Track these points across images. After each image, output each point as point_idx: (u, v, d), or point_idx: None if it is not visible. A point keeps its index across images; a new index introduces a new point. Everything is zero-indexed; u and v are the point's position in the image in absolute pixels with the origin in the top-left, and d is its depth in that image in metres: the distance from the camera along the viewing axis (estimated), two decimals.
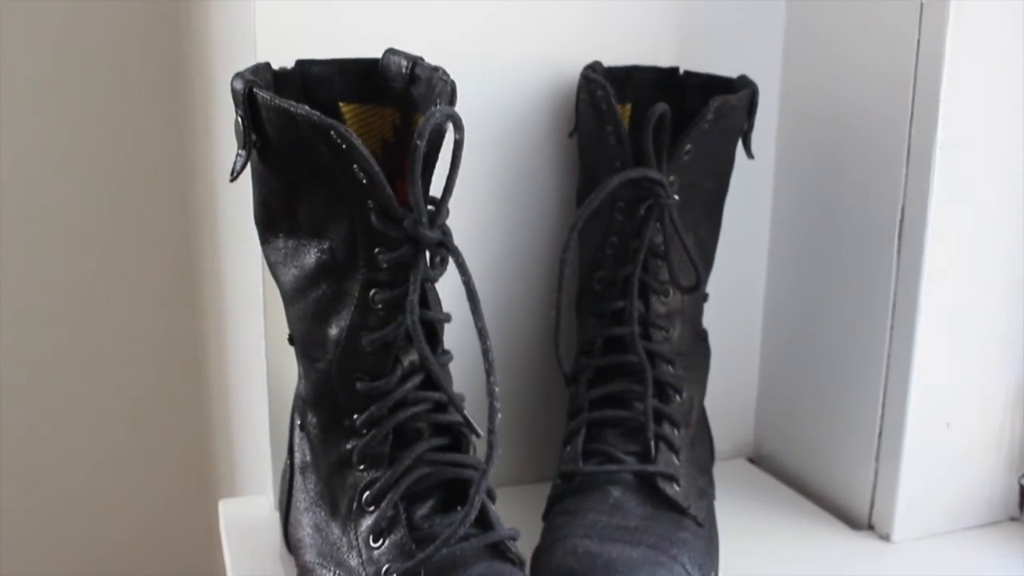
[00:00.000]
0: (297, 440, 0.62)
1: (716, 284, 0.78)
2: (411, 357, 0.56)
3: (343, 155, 0.52)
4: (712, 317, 0.78)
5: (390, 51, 0.60)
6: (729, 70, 0.73)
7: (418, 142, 0.51)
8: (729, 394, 0.84)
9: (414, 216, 0.52)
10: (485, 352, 0.51)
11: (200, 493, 1.80)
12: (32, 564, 1.80)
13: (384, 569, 0.53)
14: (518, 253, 0.75)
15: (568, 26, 0.73)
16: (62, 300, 1.67)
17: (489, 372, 0.51)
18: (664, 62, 0.76)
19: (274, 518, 0.72)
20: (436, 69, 0.57)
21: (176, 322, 1.72)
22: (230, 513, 0.73)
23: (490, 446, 0.51)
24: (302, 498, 0.61)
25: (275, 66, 0.61)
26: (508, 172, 0.74)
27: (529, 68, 0.73)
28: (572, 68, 0.74)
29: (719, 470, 0.78)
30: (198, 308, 1.60)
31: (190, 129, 1.43)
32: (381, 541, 0.54)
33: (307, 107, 0.52)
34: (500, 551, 0.54)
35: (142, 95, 1.60)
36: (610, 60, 0.73)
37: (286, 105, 0.52)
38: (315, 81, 0.62)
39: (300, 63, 0.61)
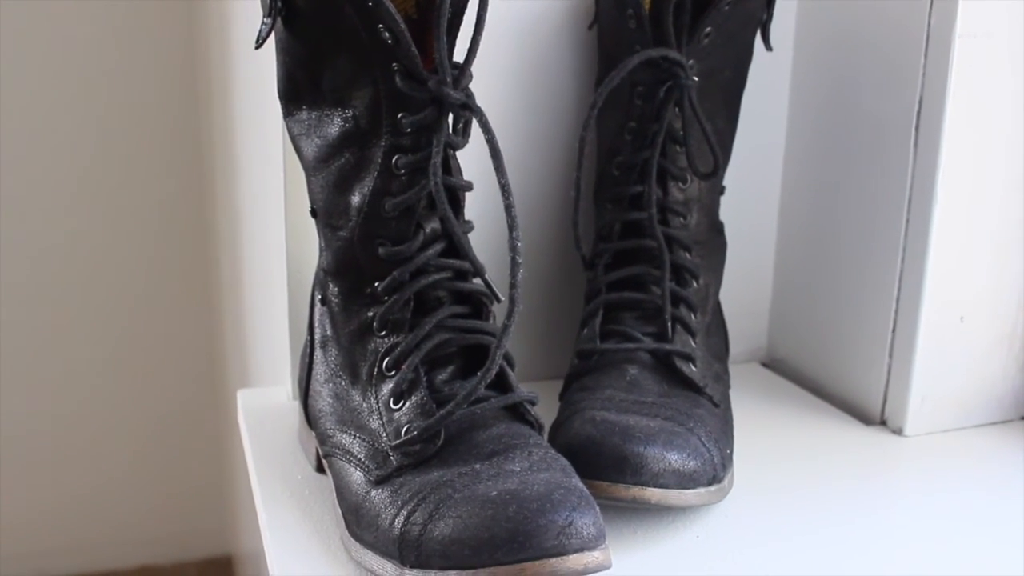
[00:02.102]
0: (317, 316, 0.62)
1: (731, 181, 0.78)
2: (433, 224, 0.56)
3: (370, 15, 0.52)
4: (727, 216, 0.78)
5: None
6: None
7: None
8: (743, 297, 0.85)
9: (439, 76, 0.53)
10: (508, 208, 0.51)
11: (213, 385, 1.82)
12: (49, 468, 1.81)
13: (404, 429, 0.53)
14: (536, 147, 0.75)
15: None
16: (72, 187, 1.68)
17: (512, 227, 0.51)
18: None
19: (292, 406, 0.73)
20: None
21: (186, 217, 1.73)
22: (248, 403, 0.73)
23: (512, 301, 0.51)
24: (322, 371, 0.61)
25: None
26: (527, 66, 0.74)
27: None
28: None
29: (732, 373, 0.78)
30: (209, 199, 1.60)
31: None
32: (402, 403, 0.54)
33: None
34: (519, 413, 0.55)
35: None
36: None
37: None
38: None
39: None
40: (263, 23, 0.57)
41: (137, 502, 1.89)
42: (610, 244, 0.68)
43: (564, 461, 0.52)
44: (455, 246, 0.57)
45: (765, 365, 0.87)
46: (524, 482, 0.48)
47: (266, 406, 0.73)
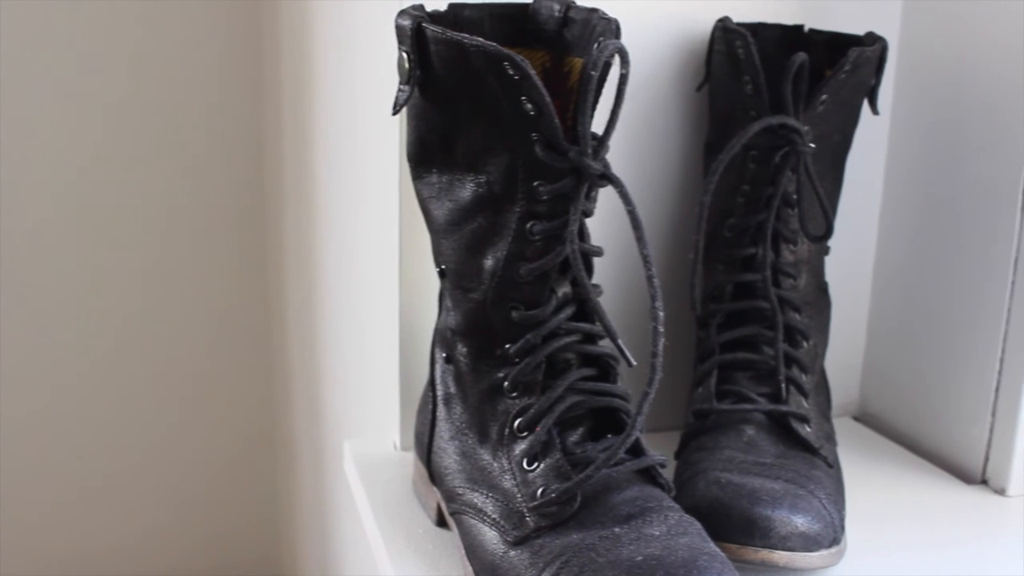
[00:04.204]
0: (440, 373, 0.64)
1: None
2: (564, 288, 0.58)
3: (514, 87, 0.53)
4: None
5: None
6: (848, 29, 0.74)
7: (592, 72, 0.53)
8: (835, 351, 0.85)
9: (579, 147, 0.54)
10: (650, 278, 0.52)
11: (270, 426, 1.83)
12: (135, 497, 1.82)
13: (540, 490, 0.54)
14: (642, 206, 0.76)
15: None
16: (166, 220, 1.70)
17: (654, 297, 0.52)
18: (786, 20, 0.77)
19: (401, 457, 0.74)
20: (593, 10, 0.58)
21: (280, 266, 1.74)
22: (357, 453, 0.75)
23: (653, 369, 0.52)
24: (446, 428, 0.62)
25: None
26: (633, 127, 0.75)
27: (656, 24, 0.75)
28: (697, 24, 0.75)
29: None
30: (309, 249, 1.61)
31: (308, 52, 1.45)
32: (536, 464, 0.56)
33: (482, 39, 0.53)
34: (650, 475, 0.56)
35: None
36: (734, 17, 0.74)
37: (459, 38, 0.54)
38: (466, 23, 0.63)
39: (452, 6, 0.63)
40: (400, 90, 0.58)
41: (191, 538, 1.90)
42: (722, 304, 0.69)
43: (698, 525, 0.53)
44: (584, 309, 0.58)
45: (857, 419, 0.87)
46: (667, 547, 0.49)
47: (375, 456, 0.74)
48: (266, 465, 1.87)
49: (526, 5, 0.62)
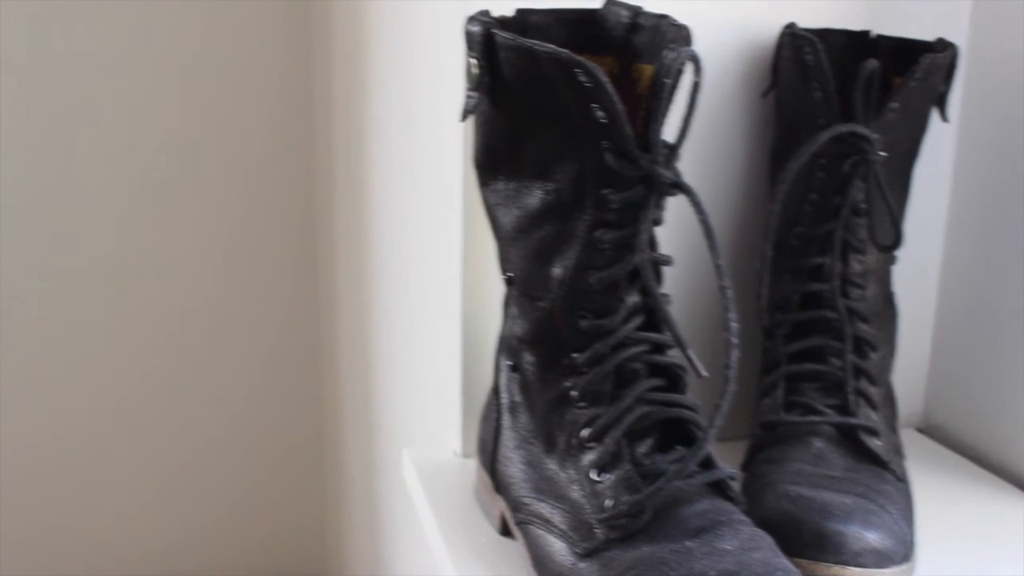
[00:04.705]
0: (505, 380, 0.63)
1: None
2: (633, 297, 0.57)
3: (585, 94, 0.53)
4: None
5: (610, 1, 0.61)
6: (915, 34, 0.73)
7: (665, 80, 0.52)
8: (899, 361, 0.84)
9: (651, 155, 0.53)
10: (723, 288, 0.52)
11: (320, 427, 1.83)
12: (184, 497, 1.83)
13: (609, 502, 0.54)
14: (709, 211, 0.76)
15: None
16: (217, 226, 1.70)
17: (727, 308, 0.52)
18: (851, 26, 0.76)
19: (461, 463, 0.74)
20: (663, 17, 0.58)
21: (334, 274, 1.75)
22: (417, 460, 0.74)
23: (726, 381, 0.52)
24: (511, 436, 0.62)
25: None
26: (699, 132, 0.74)
27: (721, 30, 0.74)
28: (761, 30, 0.74)
29: None
30: (363, 252, 1.61)
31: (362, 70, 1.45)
32: (605, 475, 0.55)
33: (553, 46, 0.53)
34: (720, 488, 0.55)
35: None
36: (798, 23, 0.73)
37: (530, 44, 0.54)
38: (533, 29, 0.63)
39: (519, 11, 0.63)
40: (468, 96, 0.58)
41: (240, 538, 1.91)
42: (789, 315, 0.68)
43: (770, 539, 0.52)
44: (652, 319, 0.58)
45: (920, 431, 0.86)
46: (741, 562, 0.49)
47: (436, 463, 0.74)
48: (314, 467, 1.88)
49: (593, 11, 0.62)
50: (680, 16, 0.71)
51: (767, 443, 0.65)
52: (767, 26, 0.74)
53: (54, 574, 1.81)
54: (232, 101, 1.64)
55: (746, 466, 0.65)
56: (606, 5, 0.61)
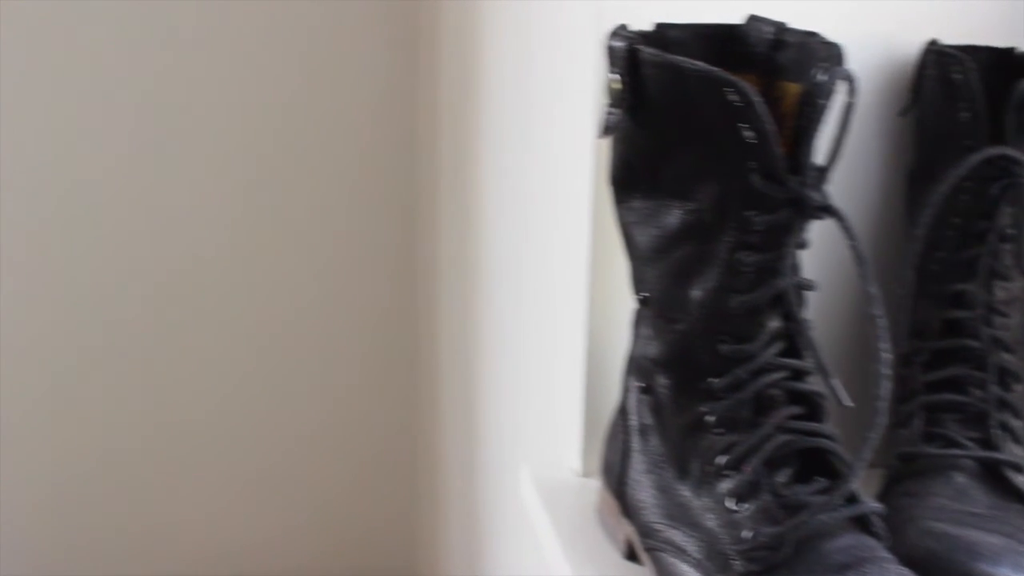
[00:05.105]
0: (634, 403, 0.62)
1: None
2: (774, 322, 0.56)
3: (734, 113, 0.51)
4: None
5: (753, 17, 0.60)
6: None
7: (820, 100, 0.51)
8: None
9: (801, 178, 0.52)
10: (875, 317, 0.50)
11: (411, 433, 1.83)
12: (272, 497, 1.85)
13: (747, 533, 0.52)
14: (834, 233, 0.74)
15: (896, 6, 0.72)
16: (319, 232, 1.72)
17: (879, 338, 0.50)
18: (995, 42, 0.73)
19: (581, 483, 0.72)
20: (811, 34, 0.56)
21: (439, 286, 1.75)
22: (537, 478, 0.73)
23: (876, 413, 0.50)
24: (641, 460, 0.61)
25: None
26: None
27: (858, 46, 0.71)
28: (899, 47, 0.72)
29: None
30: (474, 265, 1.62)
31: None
32: (743, 505, 0.54)
33: (703, 63, 0.52)
34: (863, 523, 0.53)
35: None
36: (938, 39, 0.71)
37: (678, 61, 0.53)
38: (672, 45, 0.61)
39: (659, 26, 0.61)
40: (609, 113, 0.57)
41: (329, 539, 1.93)
42: (928, 342, 0.66)
43: None
44: (793, 344, 0.56)
45: None
46: None
47: (555, 482, 0.73)
48: (407, 472, 1.89)
49: (734, 26, 0.61)
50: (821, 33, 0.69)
51: (905, 475, 0.63)
52: (905, 43, 0.72)
53: (148, 572, 1.84)
54: (333, 104, 1.65)
55: (882, 498, 0.63)
56: (748, 20, 0.60)
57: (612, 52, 0.56)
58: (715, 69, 0.51)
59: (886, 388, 0.50)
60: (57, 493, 1.75)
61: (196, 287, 1.70)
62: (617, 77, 0.56)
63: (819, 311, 0.71)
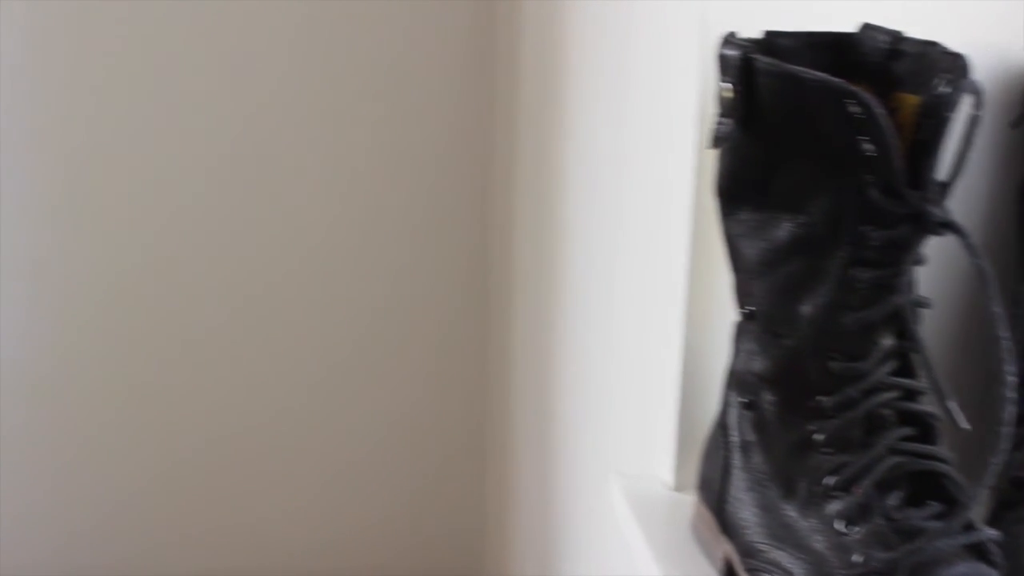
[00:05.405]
0: (735, 418, 0.61)
1: None
2: (886, 340, 0.54)
3: (853, 125, 0.50)
4: None
5: (867, 25, 0.58)
6: None
7: (947, 114, 0.49)
8: None
9: (923, 193, 0.50)
10: (1001, 339, 0.49)
11: (480, 435, 1.83)
12: (347, 497, 1.86)
13: (858, 557, 0.51)
14: (949, 249, 0.72)
15: (1008, 14, 0.70)
16: (394, 239, 1.72)
17: (1004, 360, 0.48)
18: None
19: (674, 497, 0.71)
20: (932, 44, 0.55)
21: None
22: (628, 490, 0.72)
23: (999, 438, 0.48)
24: (743, 477, 0.59)
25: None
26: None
27: (969, 55, 0.70)
28: (1011, 55, 0.70)
29: None
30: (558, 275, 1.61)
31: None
32: (853, 528, 0.52)
33: (823, 73, 0.50)
34: (980, 552, 0.52)
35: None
36: None
37: (796, 71, 0.51)
38: (783, 53, 0.60)
39: (769, 34, 0.60)
40: (720, 123, 0.56)
41: (399, 540, 1.93)
42: None
43: None
44: (906, 363, 0.55)
45: None
46: None
47: (647, 494, 0.72)
48: (477, 474, 1.88)
49: (847, 34, 0.59)
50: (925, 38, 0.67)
51: (1018, 501, 0.61)
52: (1016, 52, 0.70)
53: (219, 568, 1.85)
54: (407, 106, 1.64)
55: (992, 524, 0.61)
56: (863, 29, 0.58)
57: (724, 61, 0.55)
58: (836, 79, 0.50)
59: (1010, 412, 0.48)
60: (138, 490, 1.78)
61: (281, 293, 1.72)
62: (729, 86, 0.55)
63: (927, 329, 0.69)
